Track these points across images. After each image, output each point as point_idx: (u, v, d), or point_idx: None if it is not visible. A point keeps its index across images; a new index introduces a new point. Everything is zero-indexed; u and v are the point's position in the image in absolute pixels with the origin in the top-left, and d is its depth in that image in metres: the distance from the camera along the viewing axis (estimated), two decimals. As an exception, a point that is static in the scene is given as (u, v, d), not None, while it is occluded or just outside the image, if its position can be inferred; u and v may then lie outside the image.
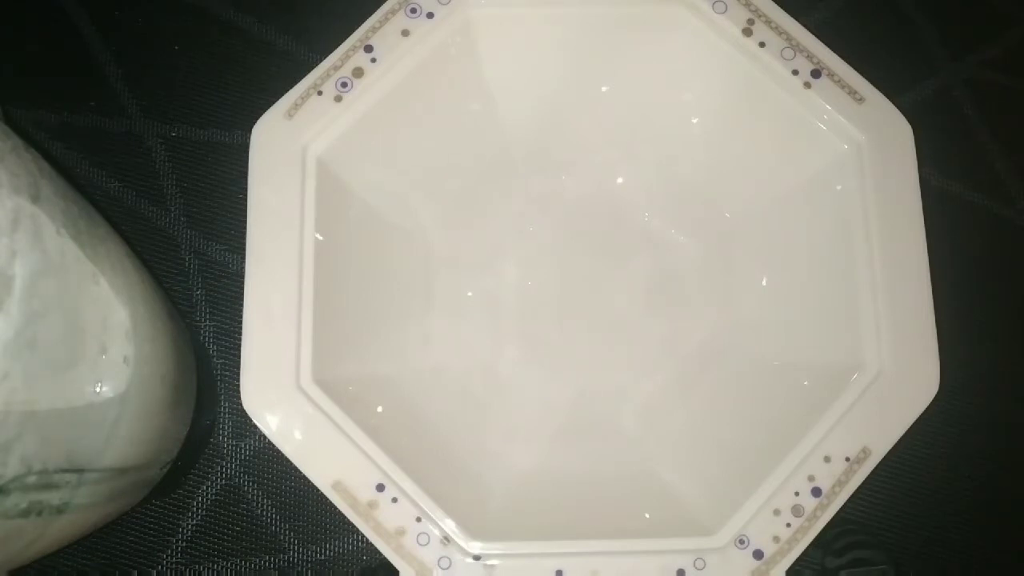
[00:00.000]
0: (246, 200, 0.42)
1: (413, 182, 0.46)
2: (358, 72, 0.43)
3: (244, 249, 0.41)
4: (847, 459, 0.40)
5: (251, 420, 0.39)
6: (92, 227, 0.36)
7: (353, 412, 0.40)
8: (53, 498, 0.33)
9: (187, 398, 0.43)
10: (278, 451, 0.39)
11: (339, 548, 0.48)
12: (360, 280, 0.44)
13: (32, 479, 0.31)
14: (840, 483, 0.40)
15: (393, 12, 0.44)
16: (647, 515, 0.41)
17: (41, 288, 0.31)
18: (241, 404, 0.40)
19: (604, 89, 0.46)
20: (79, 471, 0.34)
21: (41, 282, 0.31)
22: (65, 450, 0.33)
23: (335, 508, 0.39)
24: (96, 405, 0.34)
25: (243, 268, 0.41)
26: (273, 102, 0.43)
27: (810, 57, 0.44)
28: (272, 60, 0.53)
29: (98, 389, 0.34)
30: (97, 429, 0.34)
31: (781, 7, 0.45)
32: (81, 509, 0.35)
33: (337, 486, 0.39)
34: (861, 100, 0.44)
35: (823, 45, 0.44)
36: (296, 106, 0.43)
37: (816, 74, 0.44)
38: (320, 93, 0.43)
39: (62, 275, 0.32)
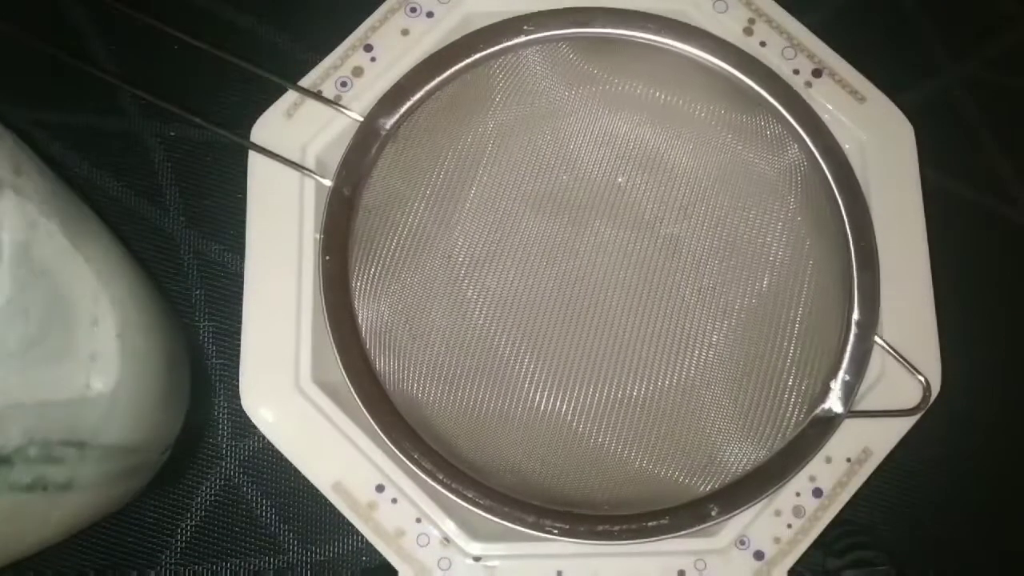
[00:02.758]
0: (245, 200, 0.42)
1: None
2: (358, 71, 0.43)
3: (243, 249, 0.41)
4: (848, 460, 0.40)
5: (250, 420, 0.40)
6: (75, 208, 0.36)
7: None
8: (58, 474, 0.33)
9: (181, 376, 0.43)
10: (277, 452, 0.39)
11: (338, 549, 0.48)
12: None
13: (34, 451, 0.31)
14: (841, 484, 0.40)
15: (393, 11, 0.44)
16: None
17: (30, 256, 0.31)
18: (240, 405, 0.40)
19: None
20: (80, 445, 0.34)
21: (29, 251, 0.31)
22: (65, 422, 0.33)
23: (334, 509, 0.39)
24: (91, 375, 0.34)
25: (242, 268, 0.41)
26: (273, 102, 0.43)
27: (811, 56, 0.44)
28: (272, 60, 0.53)
29: (92, 359, 0.34)
30: (94, 401, 0.34)
31: (782, 6, 0.45)
32: (86, 488, 0.35)
33: (337, 487, 0.39)
34: (862, 99, 0.44)
35: (824, 44, 0.44)
36: (295, 105, 0.43)
37: (817, 73, 0.44)
38: (319, 93, 0.43)
39: (49, 245, 0.32)
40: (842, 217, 0.41)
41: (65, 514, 0.35)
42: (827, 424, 0.40)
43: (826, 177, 0.42)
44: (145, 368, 0.37)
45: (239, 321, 0.40)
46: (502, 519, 0.38)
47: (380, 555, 0.39)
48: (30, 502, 0.33)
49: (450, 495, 0.38)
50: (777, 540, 0.40)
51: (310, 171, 0.42)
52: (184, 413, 0.43)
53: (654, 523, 0.38)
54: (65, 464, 0.33)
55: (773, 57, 0.44)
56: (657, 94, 0.45)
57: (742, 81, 0.42)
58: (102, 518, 0.42)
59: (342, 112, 0.42)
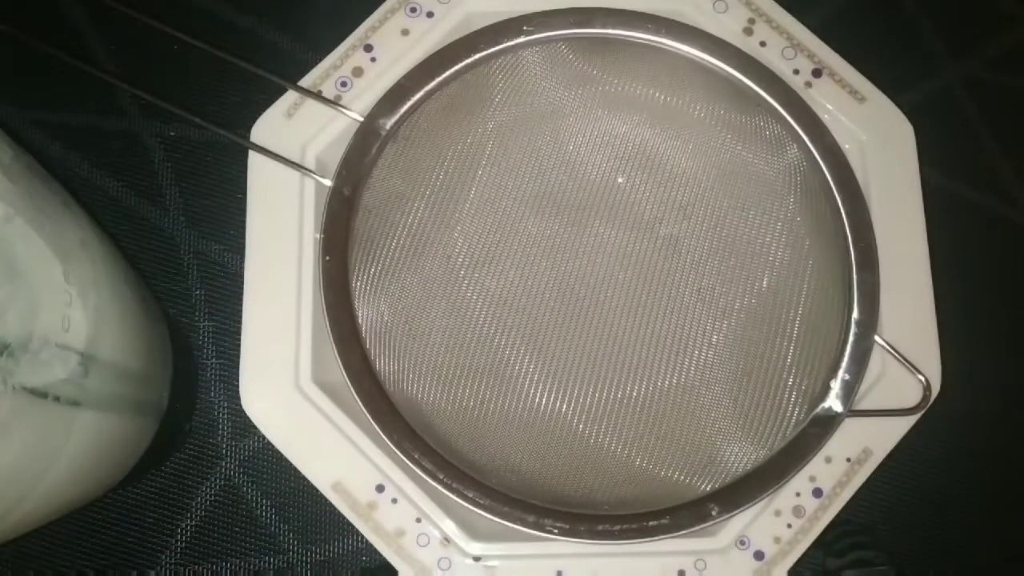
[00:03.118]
0: (245, 200, 0.42)
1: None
2: (358, 71, 0.43)
3: (243, 249, 0.41)
4: (848, 460, 0.40)
5: (250, 420, 0.40)
6: (40, 185, 0.37)
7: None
8: (65, 387, 0.34)
9: (157, 312, 0.45)
10: (277, 451, 0.39)
11: (338, 549, 0.48)
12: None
13: (36, 346, 0.32)
14: (841, 484, 0.40)
15: (393, 11, 0.44)
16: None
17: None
18: (240, 405, 0.40)
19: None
20: (80, 353, 0.34)
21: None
22: (59, 323, 0.34)
23: (334, 509, 0.39)
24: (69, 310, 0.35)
25: (242, 268, 0.41)
26: (273, 102, 0.43)
27: (811, 56, 0.44)
28: (272, 60, 0.53)
29: (69, 305, 0.35)
30: (78, 303, 0.35)
31: (782, 6, 0.45)
32: (97, 408, 0.36)
33: (337, 487, 0.39)
34: (862, 99, 0.44)
35: (824, 44, 0.44)
36: (296, 105, 0.43)
37: (817, 73, 0.44)
38: (320, 93, 0.43)
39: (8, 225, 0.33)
40: (841, 217, 0.41)
41: (83, 434, 0.36)
42: (827, 424, 0.40)
43: (825, 177, 0.42)
44: (117, 282, 0.38)
45: (239, 321, 0.40)
46: (502, 519, 0.38)
47: (380, 555, 0.39)
48: (47, 411, 0.33)
49: (450, 495, 0.38)
50: (777, 540, 0.40)
51: (310, 171, 0.42)
52: (171, 365, 0.44)
53: (654, 523, 0.38)
54: (70, 378, 0.34)
55: (773, 57, 0.44)
56: (657, 94, 0.45)
57: (741, 81, 0.42)
58: (118, 471, 0.42)
59: (342, 112, 0.42)
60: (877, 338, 0.41)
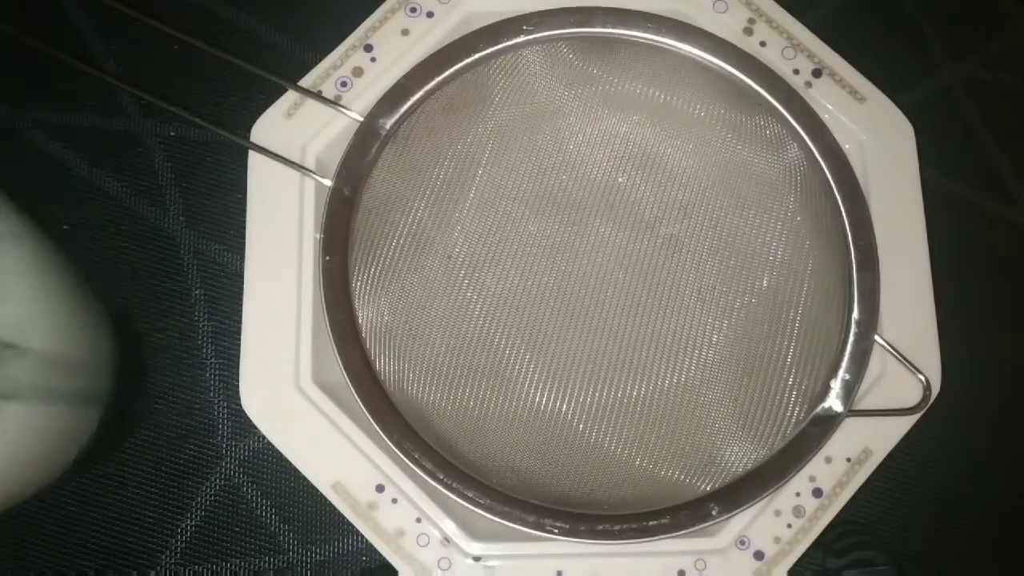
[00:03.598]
0: (245, 200, 0.42)
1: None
2: (358, 71, 0.43)
3: (243, 249, 0.41)
4: (848, 460, 0.40)
5: (250, 420, 0.40)
6: None
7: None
8: None
9: (92, 300, 0.45)
10: (277, 452, 0.40)
11: (338, 549, 0.48)
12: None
13: None
14: (841, 484, 0.40)
15: (393, 11, 0.44)
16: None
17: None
18: (240, 405, 0.40)
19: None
20: (11, 347, 0.35)
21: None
22: None
23: (334, 509, 0.39)
24: None
25: (242, 268, 0.41)
26: (273, 102, 0.43)
27: (811, 56, 0.44)
28: (272, 60, 0.53)
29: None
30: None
31: (782, 6, 0.45)
32: (28, 401, 0.36)
33: (337, 487, 0.39)
34: (862, 99, 0.44)
35: (824, 44, 0.44)
36: (296, 105, 0.43)
37: (817, 73, 0.44)
38: (320, 93, 0.43)
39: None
40: (842, 216, 0.41)
41: (13, 427, 0.36)
42: (827, 423, 0.40)
43: (826, 177, 0.42)
44: (43, 263, 0.39)
45: (239, 321, 0.41)
46: (502, 519, 0.38)
47: (380, 555, 0.39)
48: None
49: (450, 495, 0.38)
50: (777, 540, 0.40)
51: (310, 171, 0.42)
52: (113, 353, 0.44)
53: (654, 523, 0.38)
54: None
55: (773, 57, 0.44)
56: (657, 94, 0.45)
57: (742, 81, 0.42)
58: (55, 466, 0.42)
59: (342, 112, 0.42)
60: (877, 338, 0.41)
